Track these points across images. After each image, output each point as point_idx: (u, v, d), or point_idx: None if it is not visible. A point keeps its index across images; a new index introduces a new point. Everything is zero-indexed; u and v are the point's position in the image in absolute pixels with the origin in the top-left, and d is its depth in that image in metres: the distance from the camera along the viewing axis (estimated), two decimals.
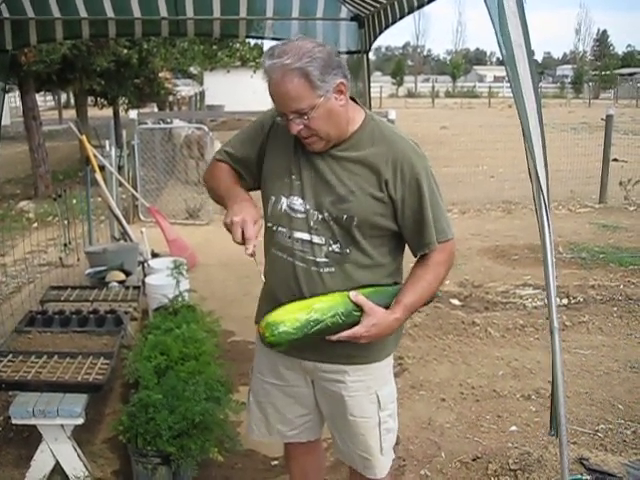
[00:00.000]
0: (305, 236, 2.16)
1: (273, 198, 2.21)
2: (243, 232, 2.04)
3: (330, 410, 2.40)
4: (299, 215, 2.17)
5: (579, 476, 3.23)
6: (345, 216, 2.11)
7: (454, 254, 2.24)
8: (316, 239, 2.15)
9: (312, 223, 2.15)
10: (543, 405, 4.07)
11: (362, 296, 2.11)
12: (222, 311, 5.01)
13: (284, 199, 2.18)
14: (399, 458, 3.56)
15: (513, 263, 7.29)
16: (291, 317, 2.04)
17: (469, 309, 5.86)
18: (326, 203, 2.13)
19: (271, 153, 2.24)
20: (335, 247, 2.15)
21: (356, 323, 2.10)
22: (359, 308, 2.10)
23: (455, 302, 6.01)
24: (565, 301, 5.94)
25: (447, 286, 6.27)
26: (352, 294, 2.11)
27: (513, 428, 3.89)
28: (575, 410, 4.03)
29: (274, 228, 2.22)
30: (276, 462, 3.56)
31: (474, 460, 3.55)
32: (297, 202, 2.17)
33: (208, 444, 3.03)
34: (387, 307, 2.15)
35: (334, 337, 2.10)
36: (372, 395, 2.31)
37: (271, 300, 2.24)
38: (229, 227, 2.08)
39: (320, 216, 2.14)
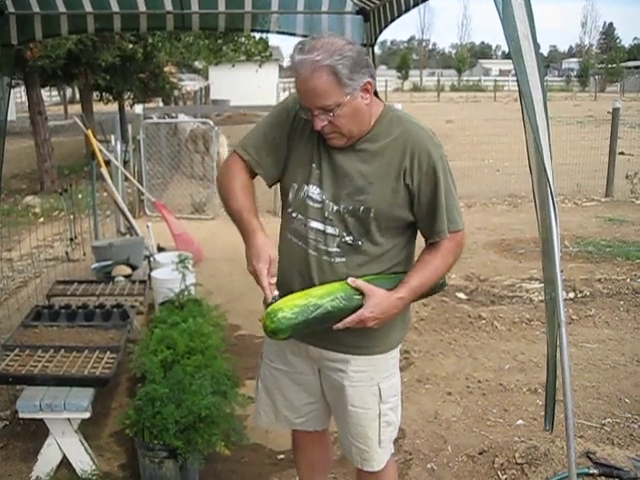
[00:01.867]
0: (319, 226, 2.18)
1: (295, 185, 2.22)
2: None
3: (333, 400, 2.42)
4: (316, 205, 2.18)
5: (586, 470, 3.23)
6: (362, 208, 2.13)
7: (463, 244, 2.25)
8: (330, 230, 2.17)
9: (327, 214, 2.17)
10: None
11: (360, 280, 2.13)
12: (228, 305, 5.01)
13: (305, 187, 2.20)
14: (405, 452, 3.56)
15: (519, 257, 7.28)
16: (289, 304, 2.06)
17: (475, 303, 5.85)
18: (343, 195, 2.15)
19: (295, 140, 2.24)
20: (348, 239, 2.17)
21: (360, 308, 2.11)
22: (360, 292, 2.11)
23: (461, 296, 6.00)
24: (572, 295, 5.92)
25: (453, 280, 6.26)
26: (350, 280, 2.12)
27: (520, 422, 3.88)
28: (582, 404, 4.02)
29: (293, 214, 2.24)
30: (282, 456, 3.57)
31: (480, 454, 3.55)
32: (315, 191, 2.18)
33: (214, 438, 3.03)
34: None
35: (340, 324, 2.11)
36: (374, 387, 2.32)
37: (282, 285, 2.22)
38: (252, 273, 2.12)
39: (335, 207, 2.16)
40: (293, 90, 2.18)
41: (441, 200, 2.12)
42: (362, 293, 2.11)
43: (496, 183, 11.25)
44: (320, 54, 1.96)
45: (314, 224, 2.19)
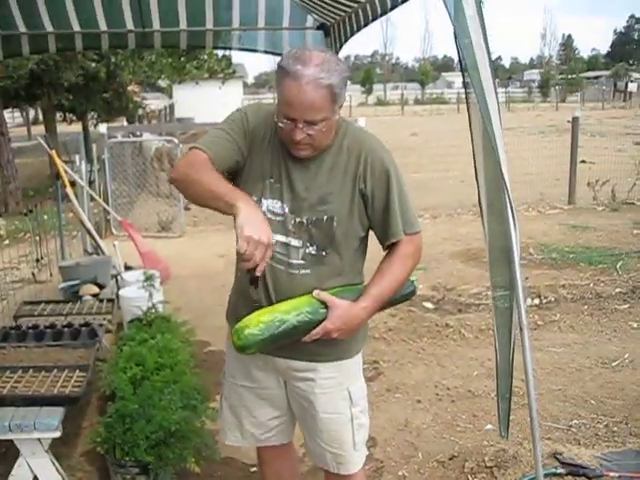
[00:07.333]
0: (282, 239, 2.19)
1: (254, 199, 2.17)
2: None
3: (301, 410, 2.42)
4: (277, 218, 2.19)
5: (553, 470, 3.29)
6: (325, 217, 2.16)
7: (421, 248, 2.28)
8: (294, 242, 2.19)
9: (290, 226, 2.18)
10: (517, 403, 4.09)
11: (324, 293, 2.16)
12: (197, 321, 4.99)
13: (264, 201, 2.20)
14: (376, 460, 3.59)
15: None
16: (255, 320, 2.10)
17: (442, 312, 5.91)
18: (305, 206, 2.17)
19: (251, 153, 2.21)
20: (312, 249, 2.19)
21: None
22: (325, 305, 2.15)
23: (428, 305, 6.06)
24: (537, 301, 6.02)
25: (420, 290, 6.28)
26: (315, 292, 2.15)
27: (489, 427, 3.93)
28: (549, 407, 4.09)
29: None
30: (255, 469, 3.55)
31: (451, 459, 3.59)
32: (276, 205, 2.19)
33: (186, 452, 3.04)
34: None
35: (307, 337, 2.14)
36: (344, 391, 2.34)
37: (242, 297, 2.25)
38: (248, 242, 1.92)
39: (298, 219, 2.18)
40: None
41: (394, 203, 2.17)
42: (327, 305, 2.15)
43: (461, 193, 11.33)
44: (323, 71, 1.98)
45: (277, 237, 2.17)
